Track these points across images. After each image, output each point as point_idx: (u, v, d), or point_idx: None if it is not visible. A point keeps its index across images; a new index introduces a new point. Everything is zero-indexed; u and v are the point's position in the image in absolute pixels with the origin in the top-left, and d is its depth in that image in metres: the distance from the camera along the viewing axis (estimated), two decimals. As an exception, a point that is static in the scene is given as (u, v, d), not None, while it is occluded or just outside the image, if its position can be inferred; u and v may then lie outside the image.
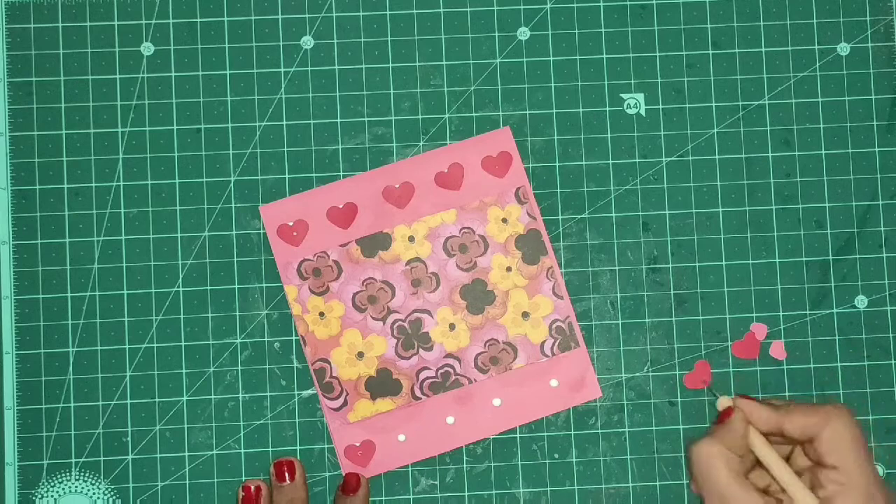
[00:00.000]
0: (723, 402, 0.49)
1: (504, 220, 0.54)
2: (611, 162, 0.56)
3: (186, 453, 0.54)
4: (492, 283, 0.54)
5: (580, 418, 0.55)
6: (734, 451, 0.46)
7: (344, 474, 0.53)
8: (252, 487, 0.51)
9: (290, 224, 0.54)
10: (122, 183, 0.55)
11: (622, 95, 0.56)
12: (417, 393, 0.54)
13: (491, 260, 0.54)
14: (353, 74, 0.55)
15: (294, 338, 0.54)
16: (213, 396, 0.54)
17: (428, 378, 0.54)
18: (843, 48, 0.56)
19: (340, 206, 0.55)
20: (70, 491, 0.53)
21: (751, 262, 0.55)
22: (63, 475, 0.54)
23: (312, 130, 0.55)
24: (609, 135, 0.56)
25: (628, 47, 0.56)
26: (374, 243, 0.54)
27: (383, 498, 0.54)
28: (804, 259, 0.55)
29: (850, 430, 0.46)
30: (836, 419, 0.46)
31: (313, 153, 0.55)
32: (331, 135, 0.55)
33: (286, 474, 0.51)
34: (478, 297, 0.54)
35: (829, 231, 0.56)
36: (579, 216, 0.55)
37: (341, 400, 0.53)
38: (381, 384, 0.54)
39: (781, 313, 0.55)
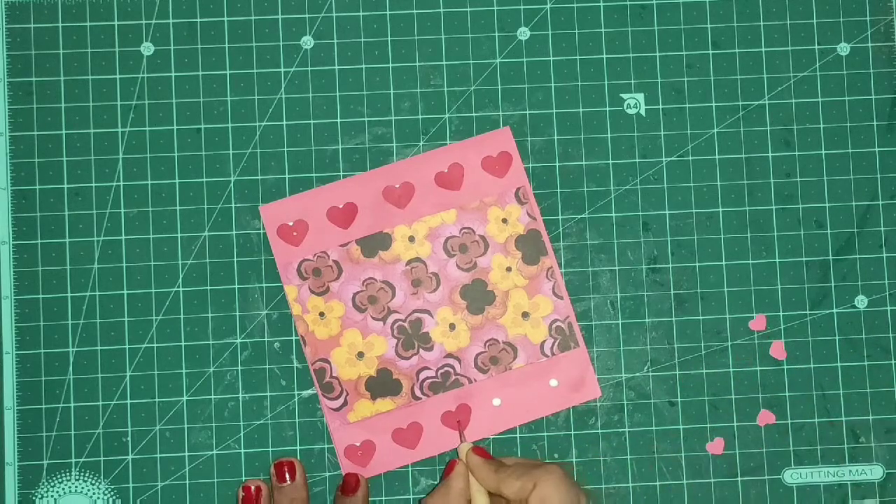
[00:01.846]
0: (462, 449, 0.51)
1: (504, 221, 0.54)
2: (611, 162, 0.56)
3: (186, 453, 0.54)
4: (492, 283, 0.54)
5: (580, 418, 0.55)
6: None
7: (343, 475, 0.53)
8: (252, 487, 0.51)
9: (290, 224, 0.54)
10: (122, 183, 0.55)
11: (622, 95, 0.56)
12: (417, 393, 0.54)
13: (491, 260, 0.54)
14: (353, 74, 0.55)
15: (294, 338, 0.54)
16: (213, 396, 0.54)
17: (428, 378, 0.54)
18: (843, 48, 0.56)
19: (340, 206, 0.55)
20: (70, 491, 0.53)
21: (751, 262, 0.55)
22: (63, 475, 0.54)
23: (312, 130, 0.55)
24: (609, 135, 0.56)
25: (628, 47, 0.56)
26: (374, 243, 0.54)
27: (383, 498, 0.54)
28: (804, 259, 0.55)
29: (558, 492, 0.47)
30: (544, 482, 0.47)
31: (313, 153, 0.55)
32: (331, 135, 0.55)
33: (287, 475, 0.51)
34: (478, 297, 0.54)
35: (829, 231, 0.56)
36: (579, 216, 0.55)
37: (341, 400, 0.53)
38: (381, 384, 0.54)
39: (781, 313, 0.55)
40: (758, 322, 0.55)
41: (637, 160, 0.56)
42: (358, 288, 0.54)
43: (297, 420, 0.54)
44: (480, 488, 0.49)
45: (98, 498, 0.54)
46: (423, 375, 0.54)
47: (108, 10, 0.55)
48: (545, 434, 0.54)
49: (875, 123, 0.56)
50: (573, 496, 0.47)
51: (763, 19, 0.56)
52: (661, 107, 0.56)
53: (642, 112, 0.56)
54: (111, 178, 0.55)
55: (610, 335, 0.55)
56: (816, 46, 0.56)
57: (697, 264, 0.55)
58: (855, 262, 0.56)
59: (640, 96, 0.56)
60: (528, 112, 0.56)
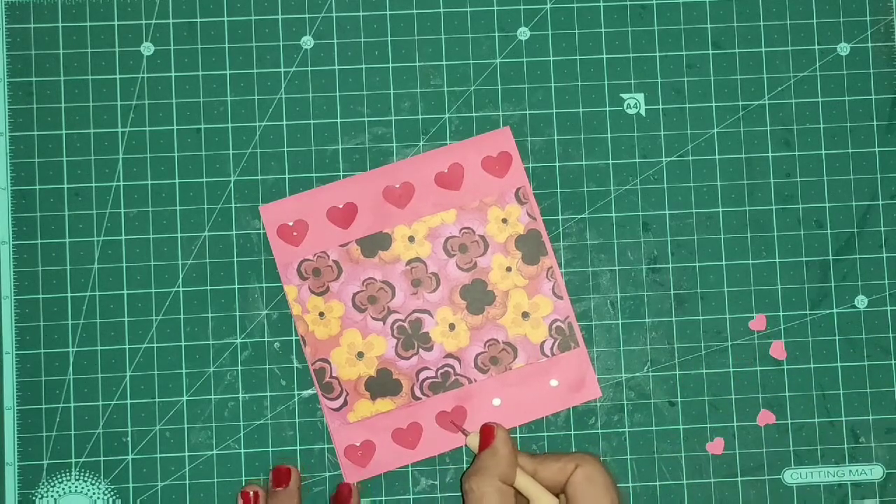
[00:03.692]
0: (471, 441, 0.51)
1: (504, 221, 0.54)
2: (611, 162, 0.56)
3: (186, 453, 0.54)
4: (492, 283, 0.54)
5: (580, 418, 0.55)
6: (505, 479, 0.48)
7: (338, 485, 0.53)
8: (251, 493, 0.51)
9: (290, 224, 0.54)
10: (122, 183, 0.55)
11: (622, 95, 0.56)
12: (417, 393, 0.54)
13: (491, 260, 0.54)
14: (353, 74, 0.55)
15: (294, 338, 0.54)
16: (213, 396, 0.54)
17: (428, 378, 0.54)
18: (843, 48, 0.56)
19: (340, 206, 0.55)
20: (70, 491, 0.54)
21: (751, 262, 0.55)
22: (63, 475, 0.54)
23: (312, 130, 0.55)
24: (609, 135, 0.56)
25: (628, 47, 0.56)
26: (374, 243, 0.54)
27: (383, 498, 0.54)
28: (804, 259, 0.55)
29: (600, 474, 0.48)
30: (587, 463, 0.48)
31: (313, 153, 0.55)
32: (331, 135, 0.55)
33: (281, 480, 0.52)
34: (478, 297, 0.54)
35: (829, 231, 0.56)
36: (579, 216, 0.55)
37: (341, 400, 0.53)
38: (381, 384, 0.54)
39: (781, 313, 0.55)
40: (758, 322, 0.55)
41: (637, 160, 0.56)
42: (358, 288, 0.54)
43: (297, 420, 0.54)
44: (523, 473, 0.49)
45: (98, 498, 0.54)
46: (422, 375, 0.54)
47: (108, 10, 0.55)
48: (545, 434, 0.54)
49: (875, 123, 0.56)
50: (612, 480, 0.48)
51: (763, 19, 0.56)
52: (661, 107, 0.56)
53: (642, 112, 0.56)
54: (111, 178, 0.55)
55: (610, 335, 0.55)
56: (816, 46, 0.56)
57: (697, 264, 0.55)
58: (855, 262, 0.56)
59: (640, 96, 0.56)
60: (528, 112, 0.56)
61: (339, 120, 0.55)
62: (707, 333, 0.55)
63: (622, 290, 0.55)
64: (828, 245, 0.56)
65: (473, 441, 0.51)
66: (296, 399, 0.54)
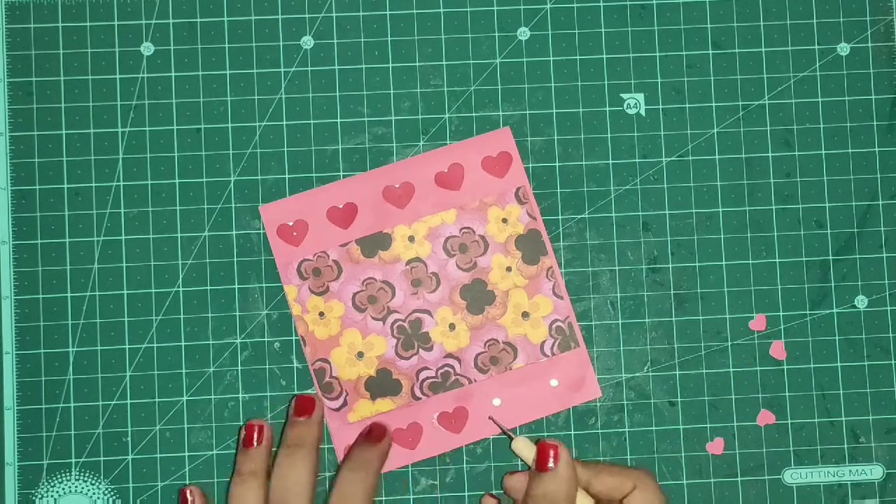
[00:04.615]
0: (519, 445, 0.49)
1: (504, 221, 0.54)
2: (611, 162, 0.56)
3: (186, 453, 0.54)
4: (492, 283, 0.54)
5: (580, 418, 0.55)
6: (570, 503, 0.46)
7: (370, 424, 0.52)
8: (255, 427, 0.51)
9: (290, 224, 0.54)
10: (122, 183, 0.55)
11: (622, 95, 0.56)
12: (417, 393, 0.54)
13: (491, 260, 0.54)
14: (353, 74, 0.55)
15: (294, 338, 0.54)
16: (213, 396, 0.54)
17: (428, 378, 0.54)
18: (843, 48, 0.56)
19: (340, 206, 0.55)
20: (70, 491, 0.54)
21: (751, 262, 0.55)
22: (63, 475, 0.54)
23: (312, 130, 0.55)
24: (609, 135, 0.56)
25: (628, 47, 0.56)
26: (374, 243, 0.54)
27: (383, 498, 0.54)
28: (804, 259, 0.55)
29: (657, 497, 0.47)
30: (645, 485, 0.47)
31: (313, 153, 0.55)
32: (331, 135, 0.55)
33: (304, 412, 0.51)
34: (478, 297, 0.54)
35: (829, 231, 0.56)
36: (579, 216, 0.55)
37: (341, 400, 0.53)
38: (381, 384, 0.54)
39: (781, 313, 0.55)
40: (758, 322, 0.55)
41: (637, 160, 0.56)
42: (358, 288, 0.54)
43: (297, 420, 0.54)
44: (583, 492, 0.48)
45: (98, 498, 0.54)
46: (422, 375, 0.54)
47: (108, 10, 0.55)
48: (545, 434, 0.54)
49: (875, 123, 0.56)
50: None
51: (763, 19, 0.56)
52: (661, 107, 0.56)
53: (642, 112, 0.56)
54: (111, 178, 0.55)
55: (610, 335, 0.55)
56: (816, 46, 0.56)
57: (697, 264, 0.55)
58: (855, 262, 0.56)
59: (640, 96, 0.56)
60: (528, 112, 0.56)
61: (339, 120, 0.55)
62: (707, 333, 0.55)
63: (622, 290, 0.55)
64: (828, 245, 0.56)
65: (525, 451, 0.49)
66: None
